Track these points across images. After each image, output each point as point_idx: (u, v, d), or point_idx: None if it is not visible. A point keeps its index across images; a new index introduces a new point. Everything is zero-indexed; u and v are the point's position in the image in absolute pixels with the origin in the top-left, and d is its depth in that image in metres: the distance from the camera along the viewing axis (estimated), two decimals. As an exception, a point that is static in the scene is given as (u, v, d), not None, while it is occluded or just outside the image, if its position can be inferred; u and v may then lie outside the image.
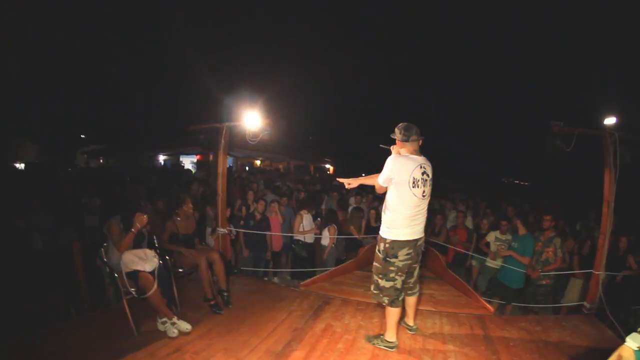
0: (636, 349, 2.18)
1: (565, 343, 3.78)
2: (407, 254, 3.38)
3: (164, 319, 3.70)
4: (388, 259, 3.41)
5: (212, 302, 4.30)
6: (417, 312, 4.02)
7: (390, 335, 3.54)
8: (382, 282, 3.47)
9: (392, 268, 3.41)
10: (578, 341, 3.83)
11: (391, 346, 3.52)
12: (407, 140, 3.36)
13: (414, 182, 3.24)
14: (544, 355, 3.51)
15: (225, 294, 4.46)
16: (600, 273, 4.53)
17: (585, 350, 3.66)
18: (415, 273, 3.67)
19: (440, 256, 6.29)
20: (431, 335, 3.87)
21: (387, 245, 3.40)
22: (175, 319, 3.72)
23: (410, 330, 3.90)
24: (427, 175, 3.33)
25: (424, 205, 3.40)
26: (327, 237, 6.92)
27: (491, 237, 6.57)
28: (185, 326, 3.72)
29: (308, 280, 5.57)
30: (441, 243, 7.00)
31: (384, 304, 3.52)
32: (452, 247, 6.97)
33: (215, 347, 3.46)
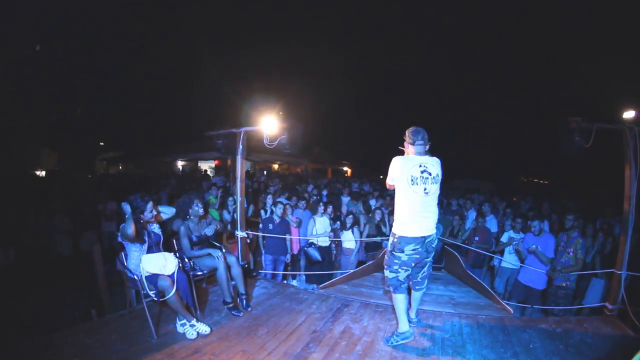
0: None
1: (586, 345, 3.72)
2: (414, 250, 3.56)
3: (184, 321, 3.74)
4: (394, 252, 3.64)
5: (230, 305, 4.33)
6: (420, 307, 4.22)
7: (403, 326, 3.68)
8: (386, 273, 3.76)
9: (396, 261, 3.63)
10: (600, 343, 3.77)
11: (405, 336, 3.65)
12: (412, 144, 3.62)
13: (412, 180, 3.46)
14: (565, 358, 3.46)
15: (244, 297, 4.49)
16: (622, 272, 4.43)
17: (607, 352, 3.60)
18: (426, 268, 3.82)
19: (459, 258, 6.25)
20: (450, 337, 3.85)
21: (395, 239, 3.63)
22: (194, 321, 3.77)
23: (410, 322, 3.95)
24: (428, 174, 3.51)
25: (430, 202, 3.56)
26: (349, 241, 6.89)
27: (505, 237, 6.47)
28: (204, 328, 3.76)
29: (327, 283, 5.58)
30: (460, 244, 6.94)
31: (391, 290, 3.75)
32: (472, 248, 6.88)
33: (233, 349, 3.49)
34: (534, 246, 5.60)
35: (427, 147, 3.66)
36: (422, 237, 3.55)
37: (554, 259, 5.55)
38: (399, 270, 3.64)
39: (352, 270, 6.11)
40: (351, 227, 6.90)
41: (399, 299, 3.67)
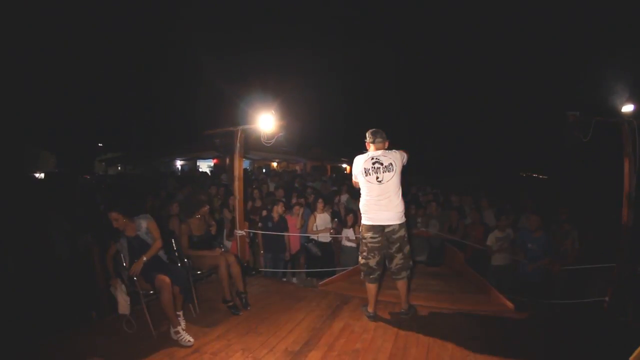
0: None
1: (586, 339, 3.73)
2: (373, 238, 3.99)
3: (177, 329, 3.63)
4: (363, 239, 4.10)
5: (230, 304, 4.33)
6: (410, 298, 4.36)
7: (369, 306, 4.24)
8: (360, 258, 4.18)
9: (364, 247, 4.09)
10: (599, 338, 3.78)
11: (368, 315, 4.20)
12: (372, 142, 4.08)
13: (365, 172, 3.94)
14: (564, 352, 3.47)
15: (243, 295, 4.48)
16: (621, 267, 4.42)
17: (607, 346, 3.59)
18: (395, 260, 4.05)
19: (459, 253, 6.23)
20: (450, 333, 3.82)
21: (361, 227, 4.13)
22: (179, 328, 3.63)
23: (401, 315, 4.25)
24: (380, 164, 3.90)
25: (385, 190, 3.90)
26: (350, 238, 6.86)
27: (491, 238, 6.36)
28: (187, 338, 3.58)
29: (327, 280, 5.59)
30: (458, 240, 6.91)
31: (362, 277, 4.21)
32: (470, 244, 6.84)
33: (233, 348, 3.48)
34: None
35: (387, 144, 4.08)
36: (379, 225, 3.94)
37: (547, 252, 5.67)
38: (368, 256, 4.05)
39: (351, 268, 6.09)
40: (352, 225, 6.86)
41: (369, 288, 4.17)
